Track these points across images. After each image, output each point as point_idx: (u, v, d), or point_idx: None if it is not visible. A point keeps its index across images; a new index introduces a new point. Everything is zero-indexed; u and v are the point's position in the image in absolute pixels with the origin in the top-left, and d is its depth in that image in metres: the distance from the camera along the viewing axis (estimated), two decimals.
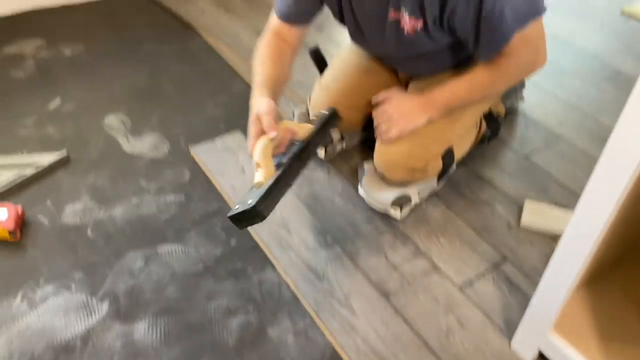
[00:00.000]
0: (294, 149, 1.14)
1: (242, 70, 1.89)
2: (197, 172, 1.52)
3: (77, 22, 2.13)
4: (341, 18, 1.33)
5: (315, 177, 1.51)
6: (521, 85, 1.66)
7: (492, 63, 1.22)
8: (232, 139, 1.62)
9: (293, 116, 1.56)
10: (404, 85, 1.48)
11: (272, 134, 1.10)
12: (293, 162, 1.11)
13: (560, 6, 2.20)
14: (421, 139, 1.32)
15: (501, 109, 1.58)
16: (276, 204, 1.06)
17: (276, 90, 1.24)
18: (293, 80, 1.82)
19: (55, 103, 1.74)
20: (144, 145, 1.61)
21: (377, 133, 1.35)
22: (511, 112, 1.69)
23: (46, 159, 1.51)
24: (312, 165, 1.53)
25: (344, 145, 1.58)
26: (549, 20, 1.19)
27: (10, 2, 2.12)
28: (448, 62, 1.35)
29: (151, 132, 1.65)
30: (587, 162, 1.54)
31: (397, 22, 1.20)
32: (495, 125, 1.54)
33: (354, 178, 1.50)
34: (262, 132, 1.12)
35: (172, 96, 1.79)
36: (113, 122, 1.68)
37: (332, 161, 1.55)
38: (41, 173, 1.49)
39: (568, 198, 1.44)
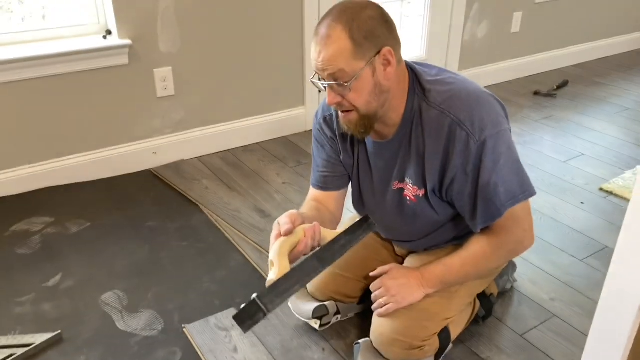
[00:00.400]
0: (318, 250, 1.16)
1: (241, 244, 1.96)
2: (189, 352, 1.50)
3: (84, 199, 2.25)
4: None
5: (307, 356, 1.49)
6: (512, 267, 1.71)
7: (485, 240, 1.29)
8: (225, 316, 1.63)
9: None
10: (401, 261, 1.53)
11: (287, 227, 1.17)
12: (308, 260, 1.11)
13: (543, 185, 2.34)
14: (419, 317, 1.34)
15: (494, 289, 1.61)
16: (283, 300, 1.05)
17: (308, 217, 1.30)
18: None
19: (55, 280, 1.78)
20: (139, 323, 1.61)
21: (373, 306, 1.38)
22: (504, 292, 1.71)
23: (38, 339, 1.50)
24: (307, 343, 1.52)
25: (339, 318, 1.58)
26: (533, 198, 1.28)
27: (22, 182, 2.26)
28: (445, 237, 1.42)
29: (147, 309, 1.66)
30: (582, 339, 1.52)
31: (401, 191, 1.31)
32: (488, 304, 1.56)
33: (350, 356, 1.48)
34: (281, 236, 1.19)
35: (170, 272, 1.83)
36: (110, 299, 1.70)
37: (328, 336, 1.54)
38: (32, 353, 1.47)
39: None
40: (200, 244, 1.99)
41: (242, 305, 1.04)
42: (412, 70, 1.27)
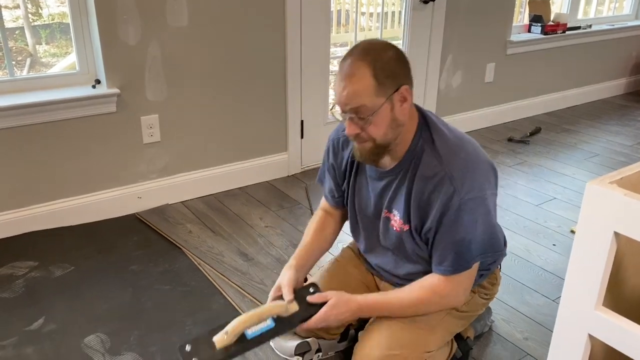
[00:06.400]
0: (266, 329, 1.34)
1: (223, 287, 1.99)
2: None
3: (69, 243, 2.27)
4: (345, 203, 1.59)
5: None
6: (488, 312, 1.78)
7: (430, 288, 1.38)
8: None
9: None
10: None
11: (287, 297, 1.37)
12: (251, 339, 1.31)
13: (516, 227, 2.43)
14: (399, 348, 1.39)
15: (470, 332, 1.66)
16: None
17: (310, 258, 1.54)
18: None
19: (38, 323, 1.79)
20: None
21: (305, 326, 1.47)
22: (480, 335, 1.76)
23: None
24: None
25: (321, 356, 1.61)
26: (508, 239, 1.38)
27: (7, 226, 2.29)
28: (422, 269, 1.47)
29: (129, 351, 1.68)
30: None
31: (389, 219, 1.41)
32: (465, 347, 1.61)
33: None
34: (278, 298, 1.38)
35: (153, 315, 1.86)
36: (92, 342, 1.72)
37: None
38: None
39: None
40: (183, 287, 2.02)
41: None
42: (421, 112, 1.39)
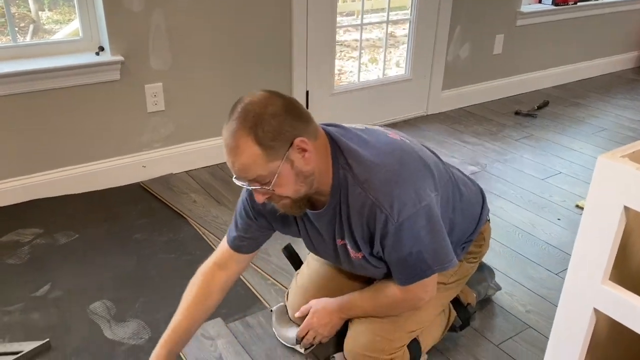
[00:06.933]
0: None
1: None
2: None
3: (74, 211, 2.28)
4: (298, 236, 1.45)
5: None
6: (490, 273, 1.77)
7: (399, 291, 1.35)
8: (211, 325, 1.67)
9: (272, 312, 1.67)
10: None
11: None
12: None
13: (521, 201, 2.42)
14: (384, 331, 1.41)
15: (471, 298, 1.66)
16: None
17: (180, 341, 1.38)
18: (274, 267, 1.94)
19: (44, 289, 1.81)
20: (126, 332, 1.64)
21: (302, 343, 1.53)
22: (484, 300, 1.77)
23: (27, 347, 1.53)
24: (291, 352, 1.57)
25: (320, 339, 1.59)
26: (512, 213, 1.35)
27: (12, 194, 2.29)
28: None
29: (134, 318, 1.70)
30: None
31: (345, 247, 1.34)
32: (465, 314, 1.61)
33: None
34: None
35: (157, 283, 1.87)
36: (98, 308, 1.74)
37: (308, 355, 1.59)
38: None
39: None
40: (187, 256, 2.03)
41: None
42: (331, 138, 1.25)
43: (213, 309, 1.44)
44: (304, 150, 1.14)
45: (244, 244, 1.42)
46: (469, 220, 1.48)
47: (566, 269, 2.00)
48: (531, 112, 3.50)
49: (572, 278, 0.81)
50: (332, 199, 1.25)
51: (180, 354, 1.56)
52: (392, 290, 1.36)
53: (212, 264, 1.45)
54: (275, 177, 1.13)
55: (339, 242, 1.33)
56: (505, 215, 2.31)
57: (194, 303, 1.40)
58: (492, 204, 2.32)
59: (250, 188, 1.18)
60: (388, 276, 1.37)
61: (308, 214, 1.32)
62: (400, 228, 1.20)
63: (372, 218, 1.21)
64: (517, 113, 3.50)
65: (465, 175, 1.55)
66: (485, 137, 3.14)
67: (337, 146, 1.24)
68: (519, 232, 2.19)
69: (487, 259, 1.84)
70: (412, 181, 1.23)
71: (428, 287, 1.33)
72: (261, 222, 1.39)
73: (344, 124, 1.34)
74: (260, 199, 1.19)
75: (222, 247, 1.46)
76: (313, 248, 1.45)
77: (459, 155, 2.91)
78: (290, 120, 1.13)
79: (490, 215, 1.62)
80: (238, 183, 1.18)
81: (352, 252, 1.33)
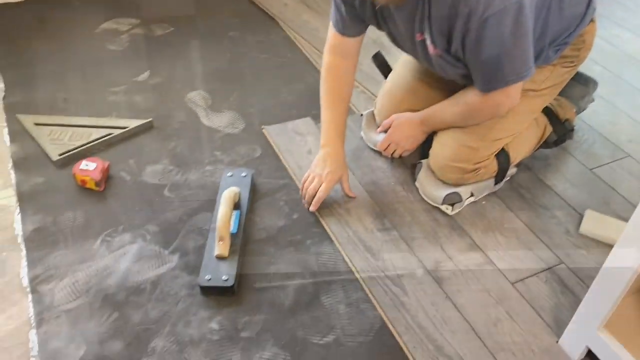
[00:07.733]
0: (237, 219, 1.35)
1: (318, 63, 1.97)
2: (268, 150, 1.61)
3: (169, 6, 2.27)
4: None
5: (377, 165, 1.57)
6: (593, 85, 1.64)
7: (471, 101, 1.31)
8: (302, 123, 1.70)
9: (362, 116, 1.67)
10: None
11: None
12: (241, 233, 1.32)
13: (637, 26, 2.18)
14: (468, 141, 1.37)
15: (570, 114, 1.57)
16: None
17: (342, 135, 1.47)
18: (363, 74, 1.90)
19: (144, 75, 1.88)
20: (222, 121, 1.71)
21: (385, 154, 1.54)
22: (580, 112, 1.67)
23: (133, 123, 1.64)
24: (376, 155, 1.60)
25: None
26: (628, 43, 1.21)
27: None
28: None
29: (229, 110, 1.75)
30: None
31: (424, 42, 1.27)
32: (562, 130, 1.54)
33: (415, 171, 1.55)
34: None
35: (251, 80, 1.89)
36: (195, 97, 1.80)
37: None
38: (127, 135, 1.62)
39: (630, 213, 1.42)
40: (279, 57, 2.01)
41: (207, 277, 1.22)
42: None
43: (351, 95, 1.50)
44: None
45: (347, 28, 1.40)
46: (567, 20, 1.31)
47: None
48: None
49: None
50: None
51: (271, 142, 1.62)
52: (471, 97, 1.31)
53: (332, 56, 1.46)
54: None
55: (418, 36, 1.27)
56: (621, 44, 2.09)
57: (338, 96, 1.47)
58: (607, 30, 2.11)
59: None
60: (470, 81, 1.31)
61: (390, 7, 1.25)
62: (484, 26, 1.11)
63: (454, 12, 1.13)
64: None
65: None
66: None
67: None
68: (633, 62, 2.00)
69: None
70: None
71: (511, 93, 1.27)
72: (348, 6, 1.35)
73: None
74: None
75: (330, 34, 1.45)
76: (395, 43, 1.42)
77: None
78: None
79: (603, 42, 1.45)
80: None
81: (430, 48, 1.26)
